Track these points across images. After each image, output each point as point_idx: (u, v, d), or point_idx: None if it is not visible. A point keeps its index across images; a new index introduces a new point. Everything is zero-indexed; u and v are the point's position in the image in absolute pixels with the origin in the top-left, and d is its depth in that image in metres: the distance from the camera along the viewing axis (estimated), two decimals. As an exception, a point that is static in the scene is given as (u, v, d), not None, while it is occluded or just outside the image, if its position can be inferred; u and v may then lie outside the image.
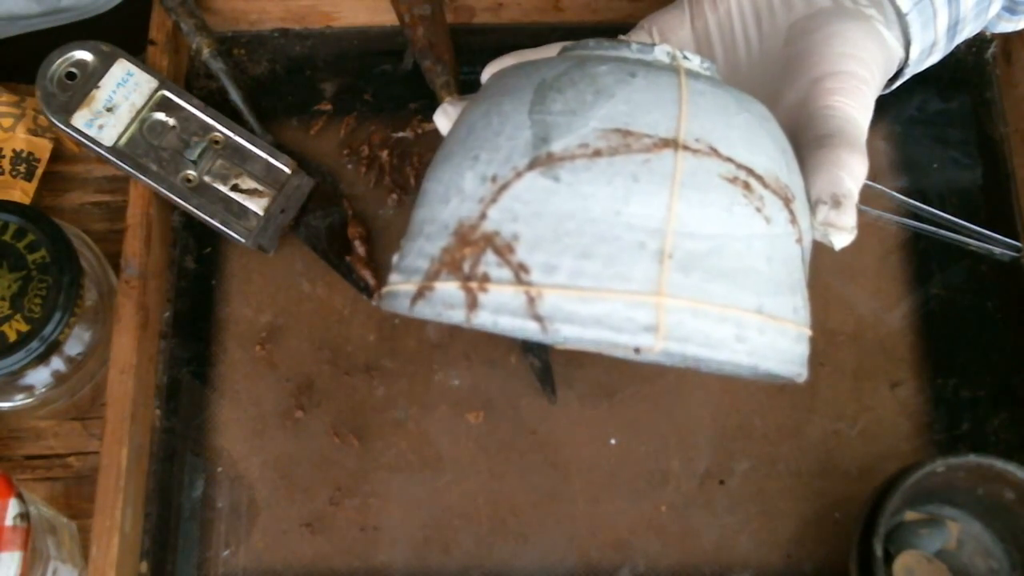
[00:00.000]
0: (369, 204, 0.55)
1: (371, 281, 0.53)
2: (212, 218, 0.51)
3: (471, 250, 0.29)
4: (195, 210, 0.51)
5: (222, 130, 0.52)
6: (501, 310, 0.28)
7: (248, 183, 0.51)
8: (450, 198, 0.30)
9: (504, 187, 0.29)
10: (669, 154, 0.29)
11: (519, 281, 0.28)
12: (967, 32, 0.44)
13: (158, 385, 0.51)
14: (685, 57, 0.33)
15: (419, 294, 0.30)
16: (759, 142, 0.31)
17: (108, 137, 0.50)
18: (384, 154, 0.55)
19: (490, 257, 0.28)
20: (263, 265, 0.54)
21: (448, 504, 0.49)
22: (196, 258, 0.54)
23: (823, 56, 0.38)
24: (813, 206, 0.34)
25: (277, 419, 0.51)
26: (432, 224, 0.31)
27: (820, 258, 0.52)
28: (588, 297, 0.27)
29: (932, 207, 0.53)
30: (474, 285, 0.28)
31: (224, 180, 0.51)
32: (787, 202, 0.31)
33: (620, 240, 0.28)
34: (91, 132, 0.50)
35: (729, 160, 0.29)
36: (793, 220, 0.31)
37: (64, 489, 0.51)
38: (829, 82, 0.37)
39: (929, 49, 0.42)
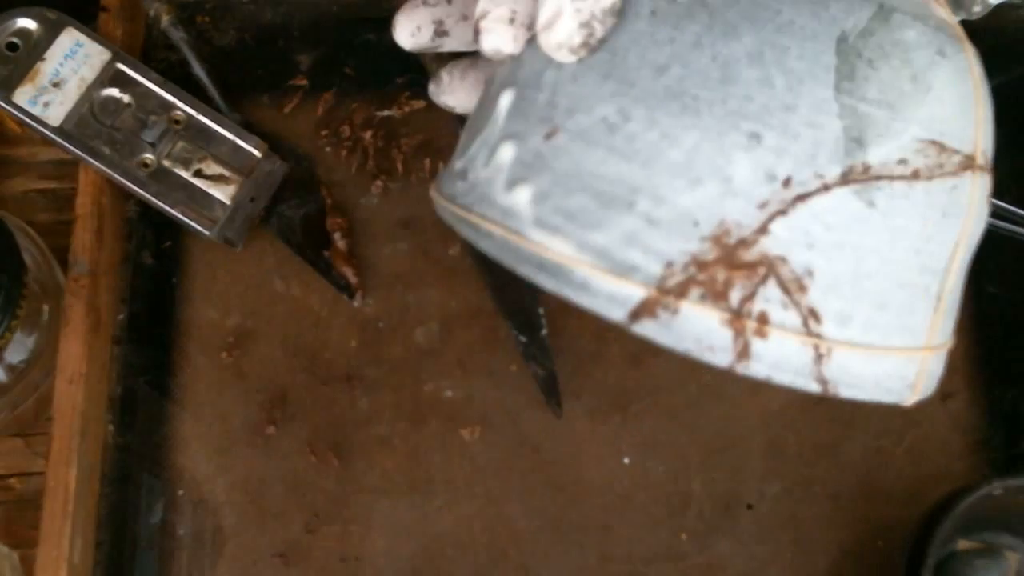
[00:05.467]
0: (350, 192, 0.54)
1: (352, 279, 0.51)
2: (172, 208, 0.50)
3: (744, 274, 0.23)
4: (153, 199, 0.50)
5: (184, 108, 0.51)
6: (782, 366, 0.23)
7: (213, 168, 0.50)
8: (702, 180, 0.23)
9: (802, 198, 0.23)
10: (968, 177, 0.25)
11: (808, 331, 0.23)
12: None
13: (111, 397, 0.50)
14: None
15: (646, 308, 0.23)
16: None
17: (54, 116, 0.49)
18: (367, 135, 0.54)
19: (772, 292, 0.23)
20: (230, 261, 0.53)
21: (440, 532, 0.48)
22: (154, 253, 0.53)
23: None
24: None
25: (246, 435, 0.50)
26: (660, 205, 0.23)
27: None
28: (875, 356, 0.24)
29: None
30: (750, 325, 0.23)
31: (186, 165, 0.50)
32: None
33: (914, 286, 0.24)
34: (35, 110, 0.49)
35: (992, 171, 0.26)
36: None
37: (4, 515, 0.50)
38: None
39: None
